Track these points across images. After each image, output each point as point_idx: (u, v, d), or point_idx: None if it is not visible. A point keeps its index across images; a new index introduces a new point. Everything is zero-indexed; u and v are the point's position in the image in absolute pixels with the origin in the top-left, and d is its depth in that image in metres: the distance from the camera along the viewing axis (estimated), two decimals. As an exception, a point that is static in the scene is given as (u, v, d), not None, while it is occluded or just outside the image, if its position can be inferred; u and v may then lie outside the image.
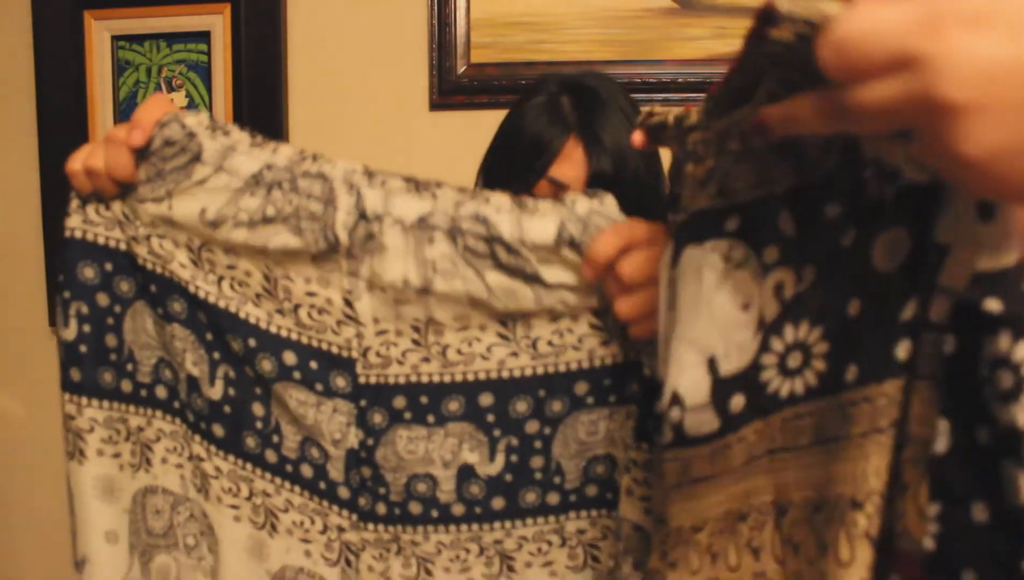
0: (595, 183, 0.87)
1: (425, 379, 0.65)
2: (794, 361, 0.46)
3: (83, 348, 0.68)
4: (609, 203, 0.62)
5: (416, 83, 1.49)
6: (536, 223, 0.61)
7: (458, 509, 0.66)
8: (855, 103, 0.34)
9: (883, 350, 0.41)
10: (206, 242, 0.66)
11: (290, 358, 0.66)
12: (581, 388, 0.64)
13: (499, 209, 0.62)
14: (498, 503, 0.66)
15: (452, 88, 1.46)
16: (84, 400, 0.69)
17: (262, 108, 1.52)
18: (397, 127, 1.51)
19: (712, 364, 0.47)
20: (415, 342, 0.65)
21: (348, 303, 0.65)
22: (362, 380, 0.66)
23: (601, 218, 0.60)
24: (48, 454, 1.68)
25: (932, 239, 0.40)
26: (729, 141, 0.47)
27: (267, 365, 0.66)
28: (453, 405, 0.65)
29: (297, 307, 0.66)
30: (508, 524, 0.66)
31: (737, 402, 0.47)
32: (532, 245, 0.61)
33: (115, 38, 1.56)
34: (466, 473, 0.66)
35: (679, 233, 0.49)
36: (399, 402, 0.66)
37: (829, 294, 0.43)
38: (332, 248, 0.64)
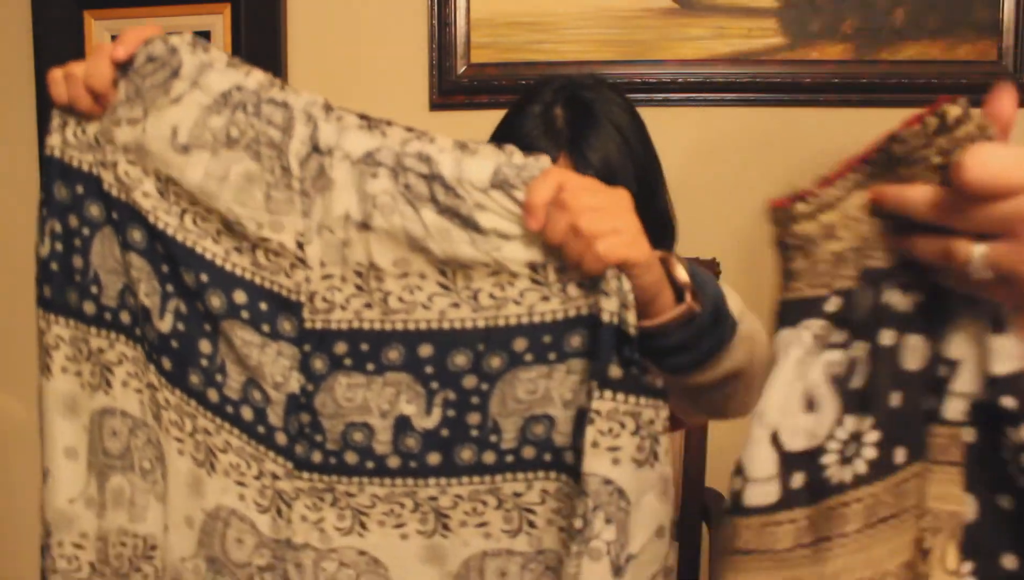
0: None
1: (367, 326, 0.65)
2: (850, 450, 0.49)
3: (54, 266, 0.72)
4: (544, 160, 0.62)
5: (416, 83, 1.49)
6: (474, 163, 0.62)
7: (394, 461, 0.65)
8: (976, 208, 0.42)
9: (918, 436, 0.48)
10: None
11: (240, 297, 0.66)
12: (520, 344, 0.62)
13: (441, 149, 0.64)
14: (434, 458, 0.65)
15: (452, 88, 1.46)
16: (52, 317, 0.73)
17: (262, 108, 1.52)
18: (397, 127, 1.51)
19: (776, 439, 0.49)
20: (358, 287, 0.64)
21: (300, 246, 0.64)
22: (307, 325, 0.65)
23: (536, 169, 0.61)
24: (48, 454, 1.69)
25: (944, 354, 0.47)
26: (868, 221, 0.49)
27: (216, 301, 0.66)
28: (393, 354, 0.64)
29: (255, 247, 0.66)
30: (443, 481, 0.65)
31: (797, 480, 0.49)
32: (469, 184, 0.61)
33: (115, 38, 1.56)
34: (403, 425, 0.65)
35: (790, 310, 0.50)
36: (340, 348, 0.65)
37: (878, 386, 0.48)
38: (286, 177, 0.64)
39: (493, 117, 1.05)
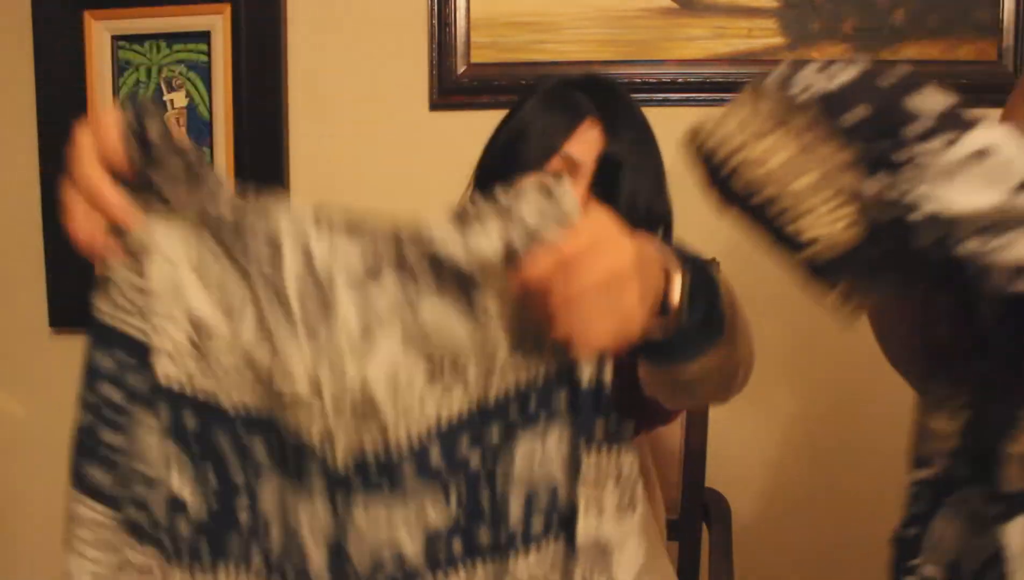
0: (606, 164, 0.90)
1: (371, 457, 0.60)
2: None
3: (86, 440, 0.66)
4: (564, 196, 0.56)
5: (416, 83, 1.49)
6: (483, 241, 0.56)
7: (423, 565, 0.62)
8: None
9: None
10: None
11: (266, 448, 0.61)
12: (512, 414, 0.60)
13: (442, 230, 0.58)
14: (457, 546, 0.61)
15: (452, 88, 1.46)
16: (78, 494, 0.66)
17: (262, 108, 1.52)
18: (397, 127, 1.51)
19: None
20: (360, 414, 0.60)
21: (316, 389, 0.59)
22: (330, 465, 0.60)
23: (553, 218, 0.55)
24: (48, 454, 1.68)
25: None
26: None
27: (246, 461, 0.62)
28: (407, 468, 0.60)
29: (274, 396, 0.60)
30: (468, 565, 0.61)
31: None
32: (478, 265, 0.57)
33: (115, 38, 1.56)
34: (432, 534, 0.61)
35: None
36: (357, 479, 0.61)
37: None
38: (286, 314, 0.59)
39: (493, 117, 1.04)
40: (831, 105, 0.52)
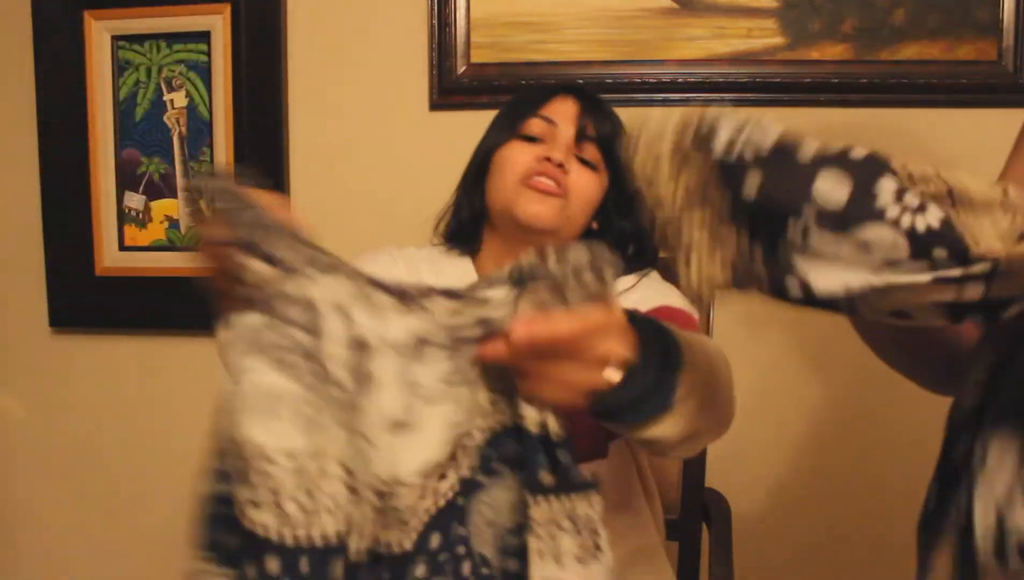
0: (584, 127, 0.97)
1: (393, 551, 0.58)
2: None
3: None
4: (601, 255, 0.57)
5: (416, 83, 1.49)
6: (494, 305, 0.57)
7: None
8: None
9: None
10: None
11: (304, 566, 0.56)
12: (478, 473, 0.60)
13: (500, 305, 0.58)
14: None
15: (452, 88, 1.46)
16: None
17: (262, 108, 1.52)
18: (397, 127, 1.51)
19: None
20: (377, 511, 0.58)
21: (348, 473, 0.57)
22: (353, 559, 0.57)
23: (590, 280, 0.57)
24: (48, 454, 1.69)
25: None
26: None
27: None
28: (419, 571, 0.58)
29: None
30: None
31: None
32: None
33: (115, 38, 1.56)
34: None
35: None
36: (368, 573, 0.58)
37: None
38: (323, 389, 0.57)
39: (493, 117, 1.05)
40: (730, 173, 0.53)
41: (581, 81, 1.41)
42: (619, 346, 0.59)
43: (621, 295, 0.94)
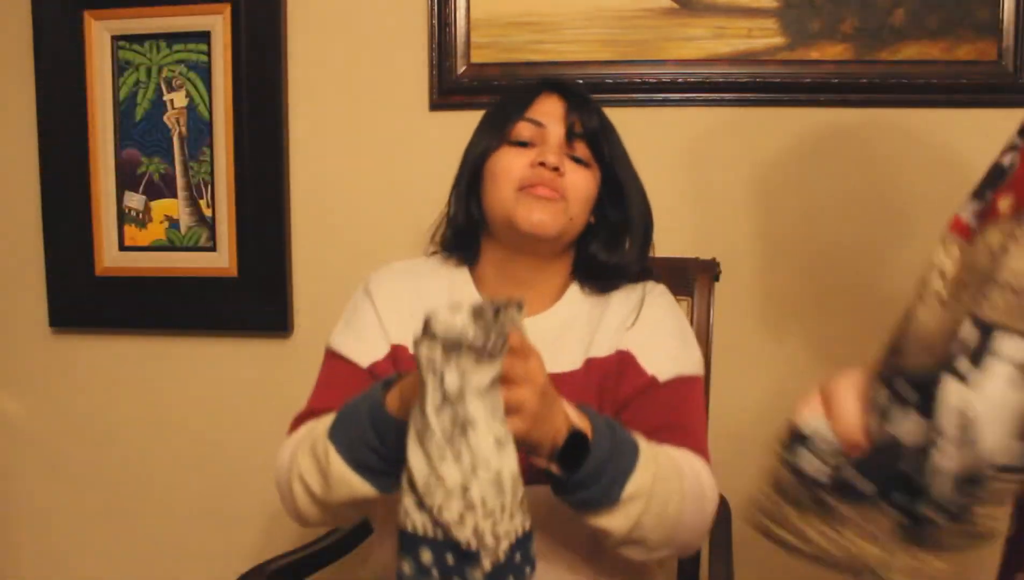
0: (572, 126, 0.96)
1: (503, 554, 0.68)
2: None
3: None
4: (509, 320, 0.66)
5: (416, 83, 1.49)
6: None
7: None
8: None
9: None
10: None
11: (426, 555, 0.67)
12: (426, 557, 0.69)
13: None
14: None
15: (452, 88, 1.46)
16: None
17: (262, 108, 1.52)
18: (397, 127, 1.51)
19: None
20: (507, 513, 0.68)
21: (464, 491, 0.66)
22: (487, 567, 0.67)
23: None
24: (48, 454, 1.69)
25: None
26: None
27: (406, 567, 0.68)
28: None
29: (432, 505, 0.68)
30: None
31: None
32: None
33: (115, 38, 1.56)
34: None
35: None
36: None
37: None
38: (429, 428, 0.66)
39: (480, 120, 1.04)
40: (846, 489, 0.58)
41: (582, 81, 1.42)
42: (527, 395, 0.69)
43: (631, 325, 0.96)
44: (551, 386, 0.73)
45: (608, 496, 0.77)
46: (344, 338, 0.99)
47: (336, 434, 0.79)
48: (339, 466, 0.78)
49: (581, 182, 0.96)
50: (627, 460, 0.77)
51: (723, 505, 1.28)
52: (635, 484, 0.77)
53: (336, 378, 0.97)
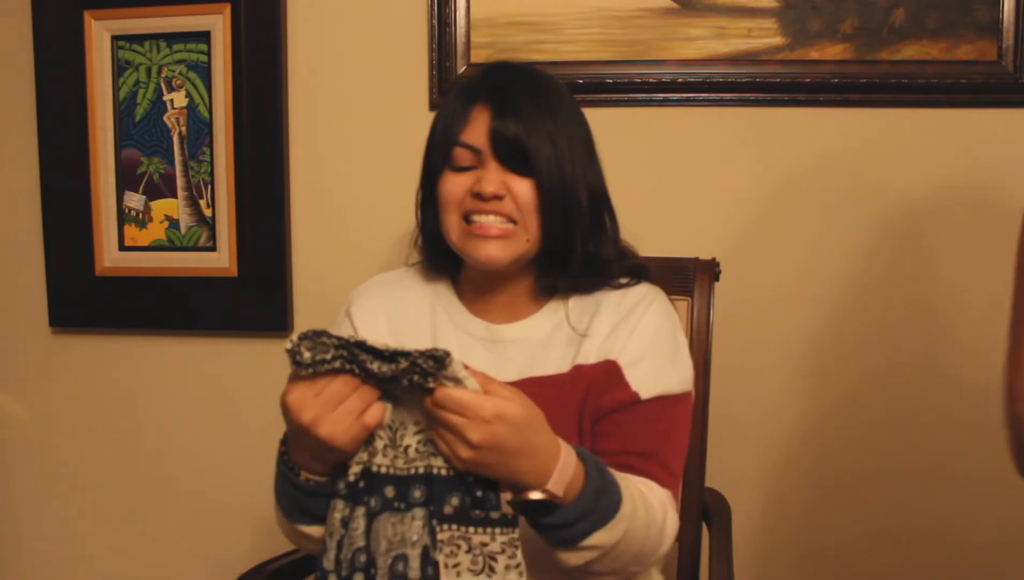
0: (498, 144, 0.91)
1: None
2: None
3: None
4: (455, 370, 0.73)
5: (416, 83, 1.49)
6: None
7: None
8: None
9: None
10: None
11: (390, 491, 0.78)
12: (390, 492, 0.78)
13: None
14: None
15: (452, 88, 1.46)
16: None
17: (262, 108, 1.52)
18: (397, 127, 1.51)
19: None
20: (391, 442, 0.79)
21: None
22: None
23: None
24: (48, 454, 1.69)
25: None
26: None
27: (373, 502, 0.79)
28: (416, 493, 0.78)
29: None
30: None
31: None
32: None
33: (115, 38, 1.56)
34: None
35: None
36: (389, 491, 0.78)
37: None
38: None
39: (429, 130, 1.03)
40: None
41: (582, 80, 1.42)
42: (476, 434, 0.72)
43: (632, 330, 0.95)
44: (533, 421, 0.75)
45: (572, 541, 0.79)
46: None
47: (280, 503, 0.88)
48: (291, 526, 0.88)
49: (525, 192, 0.91)
50: (603, 515, 0.79)
51: (723, 504, 1.28)
52: (600, 538, 0.79)
53: None
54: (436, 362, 0.71)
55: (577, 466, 0.78)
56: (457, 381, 0.72)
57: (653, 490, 0.87)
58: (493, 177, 0.91)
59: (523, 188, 0.91)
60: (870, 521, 1.45)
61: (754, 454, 1.47)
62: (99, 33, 1.55)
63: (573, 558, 0.80)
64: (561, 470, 0.76)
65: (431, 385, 0.72)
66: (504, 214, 0.91)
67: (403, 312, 1.00)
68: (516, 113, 0.91)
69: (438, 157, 0.95)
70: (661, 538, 0.86)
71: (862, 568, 1.46)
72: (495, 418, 0.71)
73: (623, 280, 0.99)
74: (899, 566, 1.45)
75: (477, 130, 0.92)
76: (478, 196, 0.91)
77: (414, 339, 0.98)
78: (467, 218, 0.93)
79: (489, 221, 0.91)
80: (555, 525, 0.78)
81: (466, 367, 0.73)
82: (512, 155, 0.91)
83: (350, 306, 1.04)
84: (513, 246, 0.92)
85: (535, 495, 0.76)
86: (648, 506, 0.84)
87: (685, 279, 1.22)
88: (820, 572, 1.48)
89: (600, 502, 0.79)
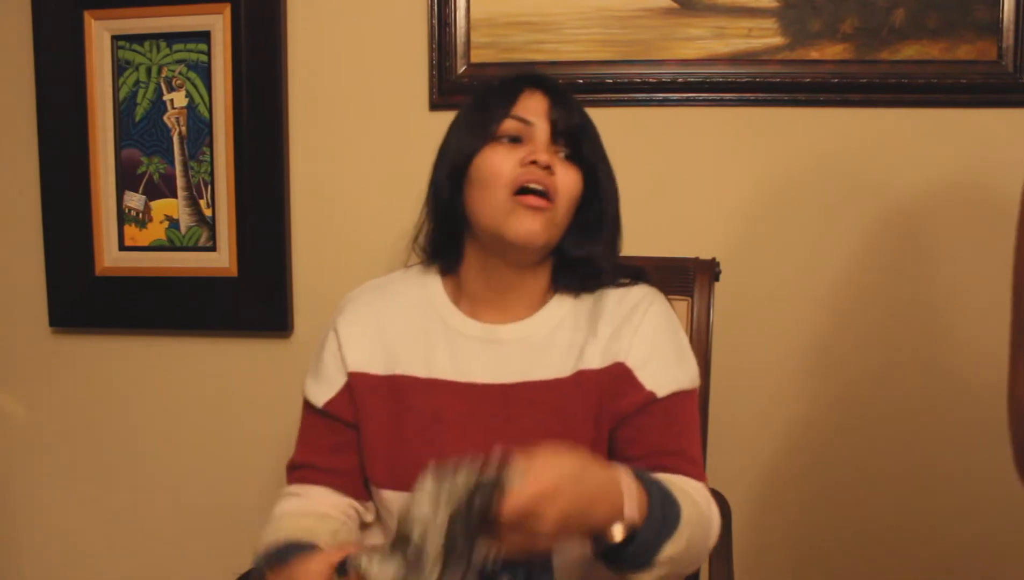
0: (557, 121, 0.93)
1: None
2: None
3: None
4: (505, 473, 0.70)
5: (416, 83, 1.49)
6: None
7: None
8: None
9: None
10: None
11: None
12: None
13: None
14: None
15: (452, 88, 1.46)
16: None
17: (262, 108, 1.52)
18: (397, 127, 1.51)
19: None
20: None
21: None
22: None
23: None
24: (48, 454, 1.69)
25: None
26: None
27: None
28: None
29: None
30: None
31: None
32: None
33: (115, 38, 1.56)
34: None
35: None
36: None
37: None
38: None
39: (456, 117, 1.03)
40: None
41: (582, 80, 1.42)
42: (548, 525, 0.69)
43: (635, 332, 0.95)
44: (582, 466, 0.73)
45: (649, 559, 0.78)
46: (310, 378, 1.01)
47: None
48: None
49: (570, 182, 0.93)
50: (670, 524, 0.78)
51: (723, 504, 1.28)
52: (672, 548, 0.78)
53: (306, 428, 1.01)
54: (497, 488, 0.69)
55: (636, 484, 0.77)
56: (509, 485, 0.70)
57: (690, 484, 0.87)
58: (547, 150, 0.93)
59: (568, 174, 0.93)
60: (870, 521, 1.45)
61: (754, 454, 1.47)
62: (99, 33, 1.55)
63: (647, 577, 0.79)
64: (628, 495, 0.75)
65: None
66: (550, 189, 0.91)
67: (392, 321, 1.00)
68: (570, 100, 0.96)
69: (477, 133, 0.95)
70: (710, 531, 0.87)
71: (862, 568, 1.46)
72: (555, 492, 0.69)
73: (623, 280, 1.00)
74: (899, 566, 1.45)
75: (528, 107, 0.94)
76: (533, 163, 0.91)
77: (404, 347, 0.98)
78: (518, 191, 0.91)
79: (535, 198, 0.91)
80: (635, 551, 0.76)
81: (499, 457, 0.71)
82: (570, 135, 0.94)
83: (337, 322, 1.02)
84: (550, 227, 0.92)
85: (618, 533, 0.74)
86: (695, 502, 0.84)
87: (685, 279, 1.22)
88: (820, 572, 1.48)
89: (665, 510, 0.78)
